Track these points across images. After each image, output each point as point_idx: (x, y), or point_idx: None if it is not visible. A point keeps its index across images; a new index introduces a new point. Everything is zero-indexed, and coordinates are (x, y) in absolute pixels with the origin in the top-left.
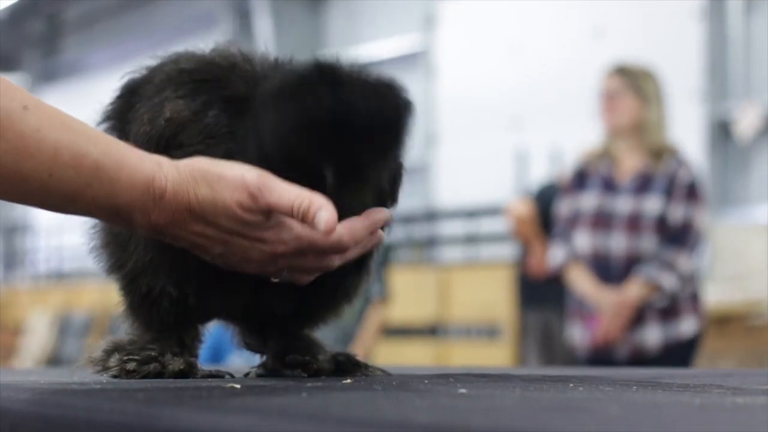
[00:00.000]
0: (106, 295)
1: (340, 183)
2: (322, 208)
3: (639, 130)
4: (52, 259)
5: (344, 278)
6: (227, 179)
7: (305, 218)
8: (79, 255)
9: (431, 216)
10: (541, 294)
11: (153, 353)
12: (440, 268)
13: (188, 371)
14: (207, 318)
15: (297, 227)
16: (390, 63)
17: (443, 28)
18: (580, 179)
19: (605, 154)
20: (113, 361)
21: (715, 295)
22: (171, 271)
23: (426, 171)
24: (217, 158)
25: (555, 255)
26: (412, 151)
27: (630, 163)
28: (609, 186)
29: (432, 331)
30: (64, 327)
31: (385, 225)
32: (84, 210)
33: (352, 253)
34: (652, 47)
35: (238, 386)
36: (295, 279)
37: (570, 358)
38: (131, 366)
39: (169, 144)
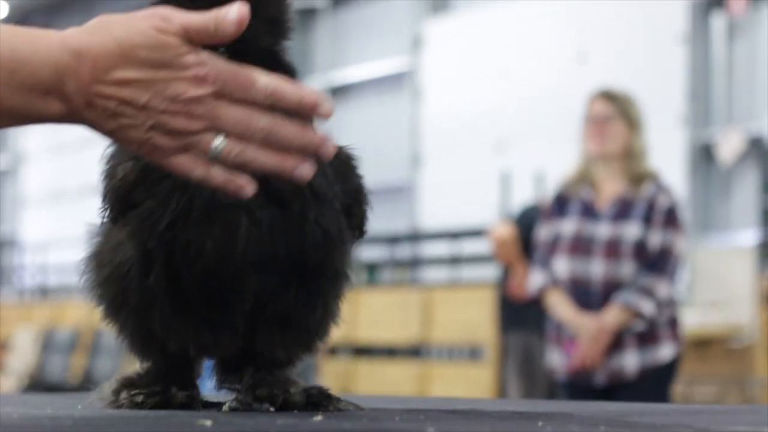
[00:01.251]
0: (91, 312)
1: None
2: (232, 7)
3: (626, 157)
4: (38, 275)
5: (309, 313)
6: (136, 15)
7: (218, 24)
8: (65, 271)
9: (415, 237)
10: (522, 316)
11: (158, 388)
12: (423, 289)
13: (191, 404)
14: (195, 356)
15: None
16: (376, 83)
17: (429, 49)
18: (560, 204)
19: (584, 179)
20: (123, 396)
21: (696, 319)
22: (148, 310)
23: (410, 191)
24: (171, 210)
25: (534, 280)
26: (397, 172)
27: (610, 188)
28: (589, 211)
29: (415, 351)
30: (48, 343)
31: (320, 112)
32: (19, 101)
33: (285, 129)
34: (636, 72)
35: (208, 423)
36: (230, 151)
37: (550, 381)
38: (139, 399)
39: (127, 201)
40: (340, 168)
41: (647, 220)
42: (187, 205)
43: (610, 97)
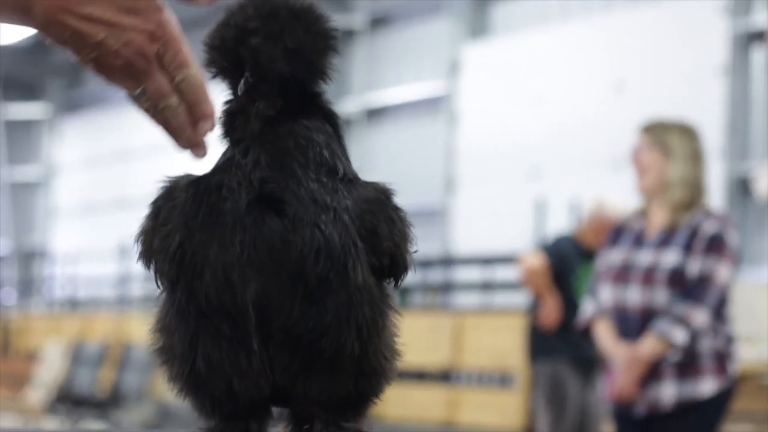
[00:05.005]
0: (119, 325)
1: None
2: None
3: (665, 186)
4: (67, 287)
5: (324, 338)
6: None
7: None
8: (95, 283)
9: (447, 261)
10: (550, 345)
11: None
12: (455, 314)
13: None
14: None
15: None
16: (412, 107)
17: (467, 74)
18: (617, 235)
19: (641, 212)
20: None
21: None
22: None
23: (444, 216)
24: (176, 228)
25: (585, 309)
26: (431, 196)
27: (658, 217)
28: (638, 241)
29: (445, 376)
30: (77, 356)
31: (201, 124)
32: None
33: (180, 117)
34: (674, 103)
35: None
36: (142, 102)
37: (581, 410)
38: None
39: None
40: (365, 193)
41: (688, 247)
42: (190, 218)
43: (649, 128)
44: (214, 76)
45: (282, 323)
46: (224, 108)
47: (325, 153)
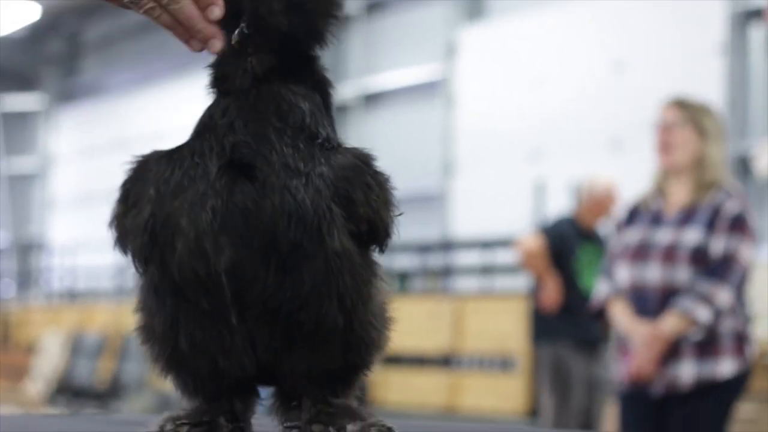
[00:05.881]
0: (119, 316)
1: None
2: None
3: (697, 166)
4: (66, 278)
5: (303, 310)
6: None
7: None
8: (93, 274)
9: (447, 245)
10: (552, 327)
11: (205, 418)
12: (455, 298)
13: None
14: (240, 384)
15: None
16: (410, 91)
17: (464, 57)
18: (632, 216)
19: (658, 191)
20: (169, 427)
21: None
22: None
23: (443, 200)
24: (149, 198)
25: (599, 290)
26: (430, 180)
27: (679, 196)
28: (656, 220)
29: (445, 361)
30: (76, 347)
31: (216, 3)
32: None
33: (188, 8)
34: (673, 82)
35: None
36: (146, 3)
37: (585, 390)
38: (184, 429)
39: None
40: (343, 160)
41: (710, 226)
42: (161, 185)
43: (680, 104)
44: None
45: (257, 295)
46: (215, 58)
47: (308, 120)
